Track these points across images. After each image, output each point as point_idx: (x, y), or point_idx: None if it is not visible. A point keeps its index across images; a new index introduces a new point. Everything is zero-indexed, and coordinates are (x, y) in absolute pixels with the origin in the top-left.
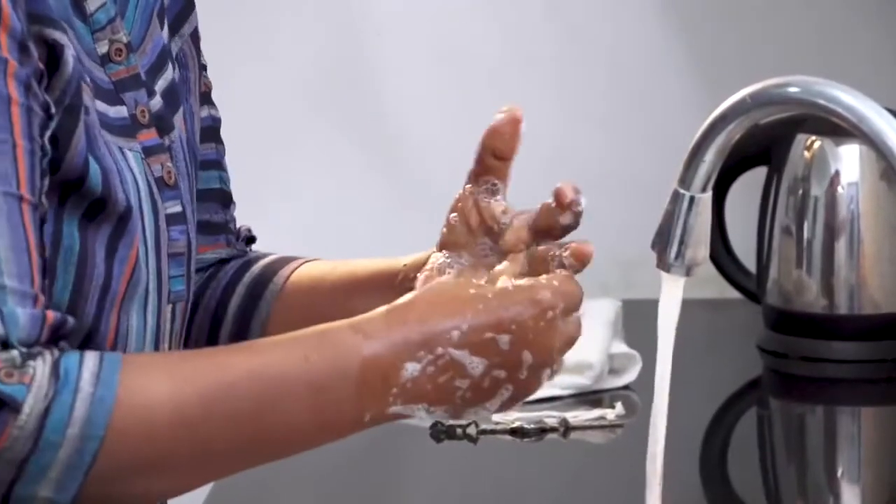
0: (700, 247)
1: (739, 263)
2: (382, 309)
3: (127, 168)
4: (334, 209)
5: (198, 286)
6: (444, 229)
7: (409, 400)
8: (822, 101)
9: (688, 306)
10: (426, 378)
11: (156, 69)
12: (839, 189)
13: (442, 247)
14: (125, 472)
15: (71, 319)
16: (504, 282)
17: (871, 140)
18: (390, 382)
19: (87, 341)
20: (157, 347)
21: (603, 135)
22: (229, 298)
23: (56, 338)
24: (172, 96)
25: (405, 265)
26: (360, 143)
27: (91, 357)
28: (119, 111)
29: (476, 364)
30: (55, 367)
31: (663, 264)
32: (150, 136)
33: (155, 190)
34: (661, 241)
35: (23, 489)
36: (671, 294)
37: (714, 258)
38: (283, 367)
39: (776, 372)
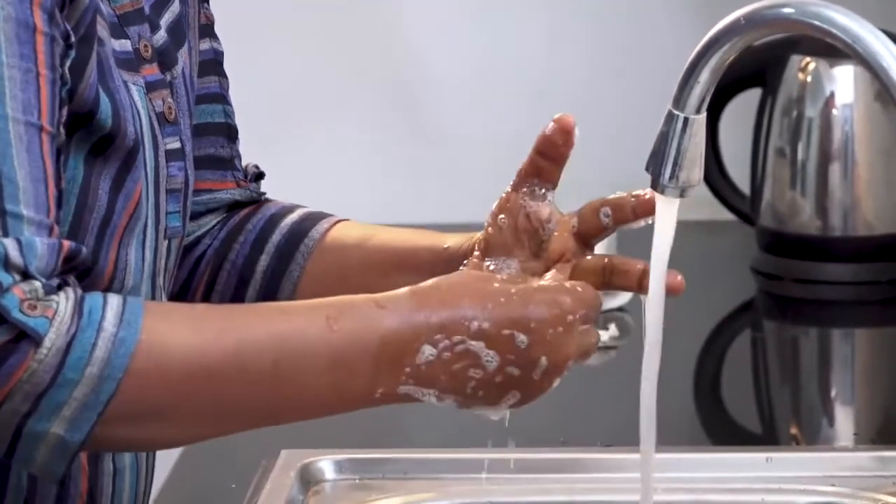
0: (694, 168)
1: (733, 185)
2: (406, 289)
3: (132, 102)
4: (346, 150)
5: (222, 239)
6: (490, 229)
7: (420, 382)
8: (816, 22)
9: (682, 228)
10: (441, 363)
11: (161, 3)
12: (833, 111)
13: (487, 247)
14: (137, 416)
15: (84, 249)
16: (529, 281)
17: (865, 61)
18: (405, 361)
19: (86, 274)
20: (153, 283)
21: (594, 57)
22: (258, 256)
23: (69, 268)
24: (178, 30)
25: (447, 247)
26: (370, 82)
27: (114, 298)
28: (123, 45)
29: (491, 358)
30: (79, 304)
31: (657, 186)
32: (152, 70)
33: (156, 125)
34: (656, 162)
35: (36, 424)
36: (665, 216)
37: (708, 180)
38: (306, 334)
39: (770, 294)
